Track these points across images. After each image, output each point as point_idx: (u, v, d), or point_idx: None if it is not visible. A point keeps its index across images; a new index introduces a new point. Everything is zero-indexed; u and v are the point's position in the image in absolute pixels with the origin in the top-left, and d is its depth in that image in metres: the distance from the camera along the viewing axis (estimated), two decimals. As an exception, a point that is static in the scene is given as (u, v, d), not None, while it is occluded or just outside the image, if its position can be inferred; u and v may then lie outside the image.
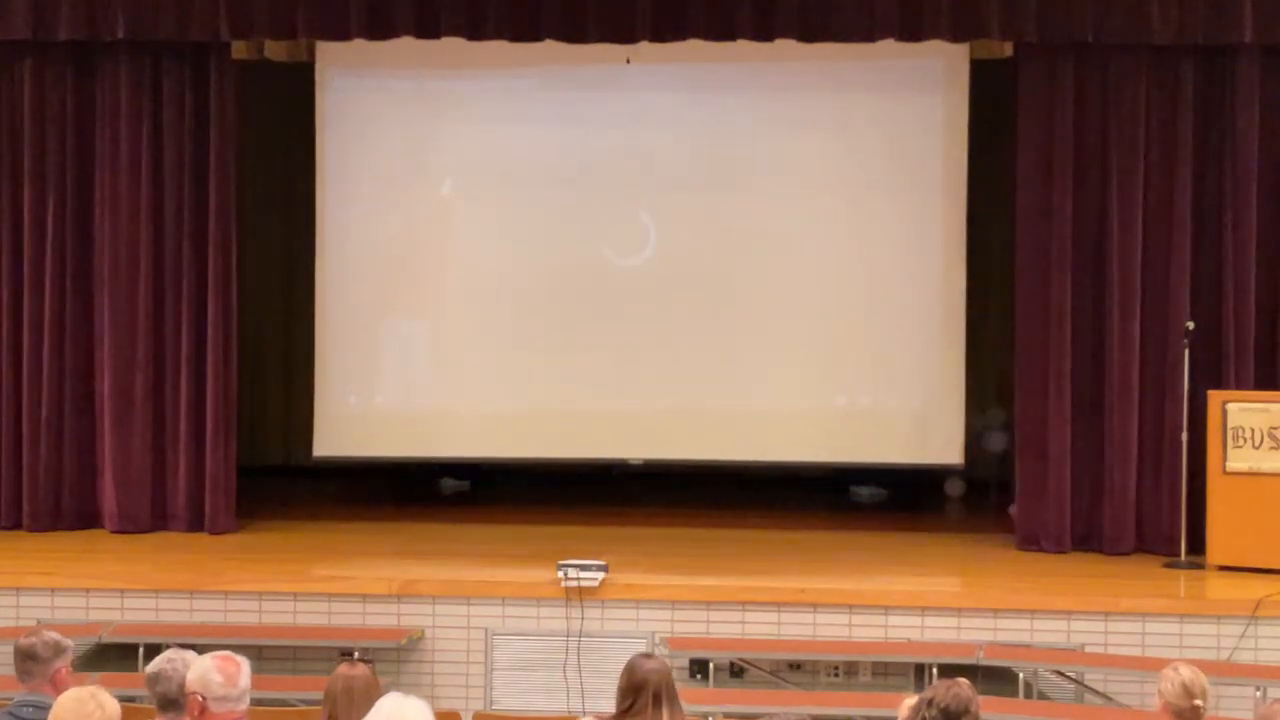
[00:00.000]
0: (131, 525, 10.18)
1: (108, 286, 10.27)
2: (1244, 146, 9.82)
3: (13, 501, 10.29)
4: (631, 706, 5.44)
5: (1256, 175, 9.82)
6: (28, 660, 5.46)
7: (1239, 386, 9.61)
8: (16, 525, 10.24)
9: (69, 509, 10.31)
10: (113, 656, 8.29)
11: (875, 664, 8.49)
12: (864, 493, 12.27)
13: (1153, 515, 9.84)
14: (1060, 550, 9.80)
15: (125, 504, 10.20)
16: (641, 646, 8.14)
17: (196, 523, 10.25)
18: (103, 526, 10.24)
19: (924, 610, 8.45)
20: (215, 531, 10.18)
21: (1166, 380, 9.78)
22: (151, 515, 10.27)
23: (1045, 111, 9.95)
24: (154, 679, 5.03)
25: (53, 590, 8.68)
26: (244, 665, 4.92)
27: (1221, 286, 9.85)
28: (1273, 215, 9.90)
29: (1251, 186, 9.82)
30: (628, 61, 10.67)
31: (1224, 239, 9.87)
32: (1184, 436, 9.48)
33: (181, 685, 4.95)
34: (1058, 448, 9.88)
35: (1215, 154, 9.91)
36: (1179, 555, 9.41)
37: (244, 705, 4.89)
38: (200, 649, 5.21)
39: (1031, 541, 9.93)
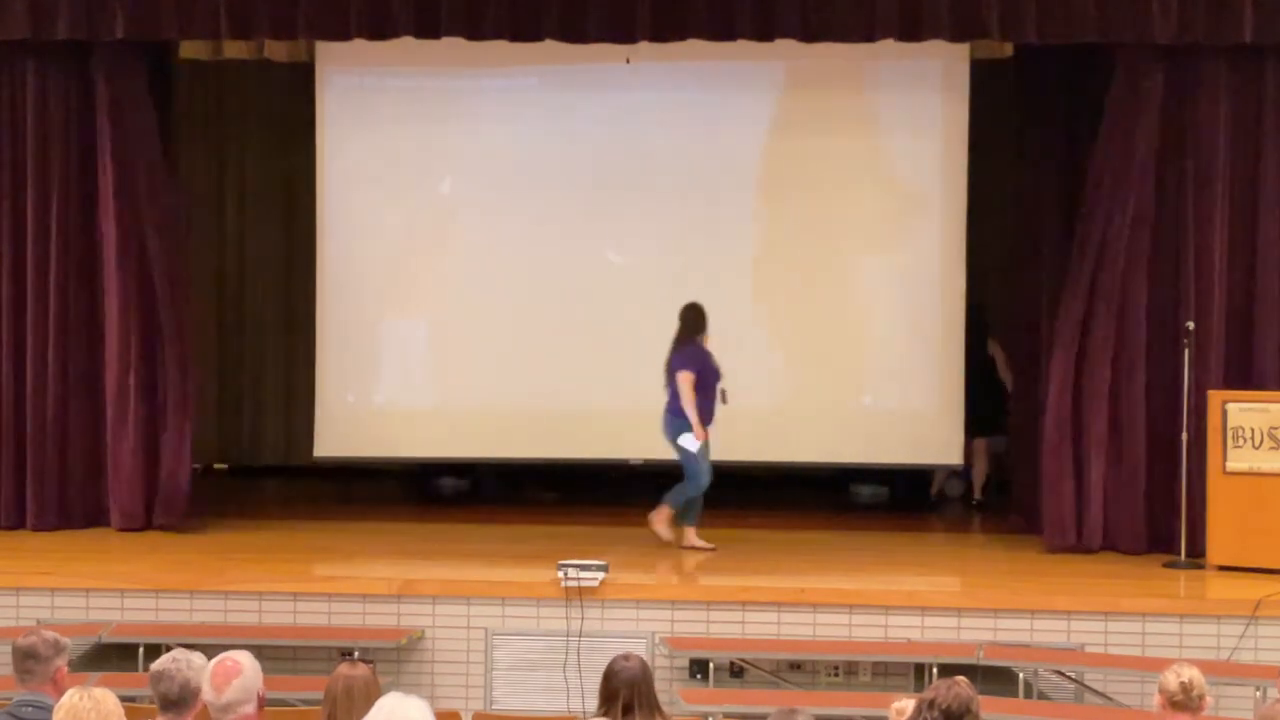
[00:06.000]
0: (132, 523, 10.17)
1: (112, 285, 10.27)
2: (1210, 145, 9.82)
3: (17, 501, 10.28)
4: (608, 709, 5.44)
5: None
6: (27, 659, 5.44)
7: (1227, 386, 9.60)
8: (21, 525, 10.24)
9: (73, 509, 10.31)
10: (113, 656, 8.29)
11: (875, 664, 8.49)
12: (864, 492, 12.26)
13: (1152, 515, 9.84)
14: (1065, 550, 9.80)
15: (125, 502, 10.18)
16: (642, 646, 8.13)
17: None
18: (108, 525, 10.23)
19: (924, 610, 8.45)
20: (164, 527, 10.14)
21: (1154, 380, 9.79)
22: (145, 511, 10.24)
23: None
24: (157, 678, 5.01)
25: (53, 590, 8.67)
26: (245, 668, 4.87)
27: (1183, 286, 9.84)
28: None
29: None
30: (628, 61, 10.66)
31: (1186, 242, 9.86)
32: (1184, 436, 9.49)
33: (184, 686, 4.93)
34: (1055, 448, 9.89)
35: (1182, 153, 9.88)
36: (1179, 555, 9.41)
37: (250, 708, 4.87)
38: (200, 649, 5.19)
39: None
